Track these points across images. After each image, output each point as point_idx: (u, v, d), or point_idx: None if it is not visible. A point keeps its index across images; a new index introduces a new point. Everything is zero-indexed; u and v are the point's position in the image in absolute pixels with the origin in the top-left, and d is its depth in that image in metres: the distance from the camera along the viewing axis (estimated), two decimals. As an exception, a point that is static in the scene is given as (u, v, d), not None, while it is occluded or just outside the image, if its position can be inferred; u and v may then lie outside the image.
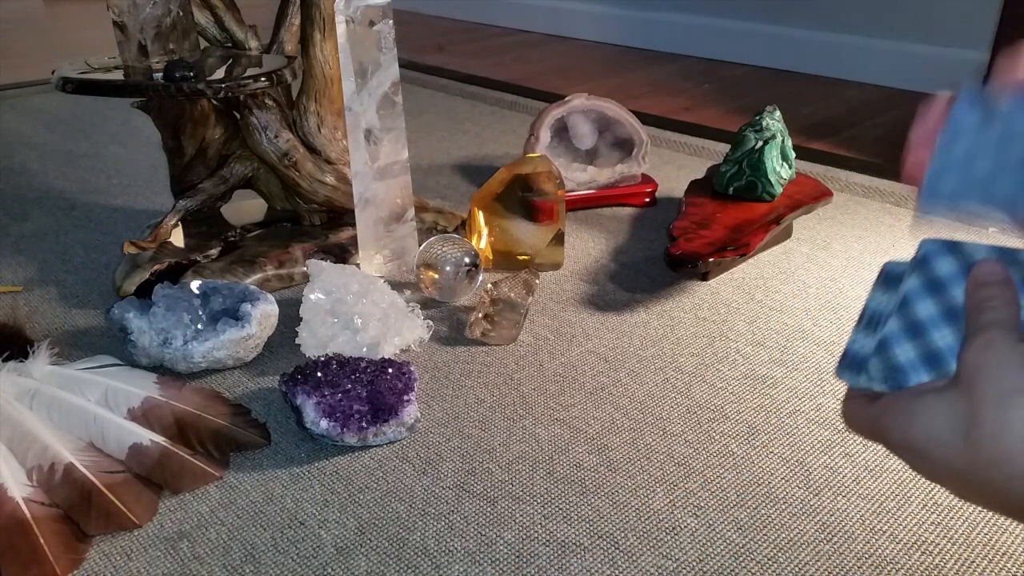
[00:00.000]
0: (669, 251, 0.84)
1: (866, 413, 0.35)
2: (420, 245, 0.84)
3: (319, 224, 0.93)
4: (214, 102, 0.87)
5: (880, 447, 0.62)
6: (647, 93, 1.67)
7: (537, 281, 0.83)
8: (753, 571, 0.51)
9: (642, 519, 0.55)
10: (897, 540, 0.54)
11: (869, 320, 0.36)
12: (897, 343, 0.34)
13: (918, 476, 0.59)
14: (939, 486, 0.33)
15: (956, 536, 0.54)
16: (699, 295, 0.85)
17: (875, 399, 0.35)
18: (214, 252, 0.86)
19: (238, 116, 0.87)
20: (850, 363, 0.36)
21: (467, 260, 0.81)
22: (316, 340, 0.72)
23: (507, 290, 0.79)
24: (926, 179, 0.35)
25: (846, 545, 0.53)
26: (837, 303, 0.83)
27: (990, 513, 0.56)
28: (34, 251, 0.96)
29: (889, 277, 0.36)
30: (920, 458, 0.32)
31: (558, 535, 0.54)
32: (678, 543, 0.53)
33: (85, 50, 1.61)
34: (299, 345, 0.73)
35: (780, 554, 0.53)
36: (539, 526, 0.55)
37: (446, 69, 1.84)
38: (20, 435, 0.59)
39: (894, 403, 0.33)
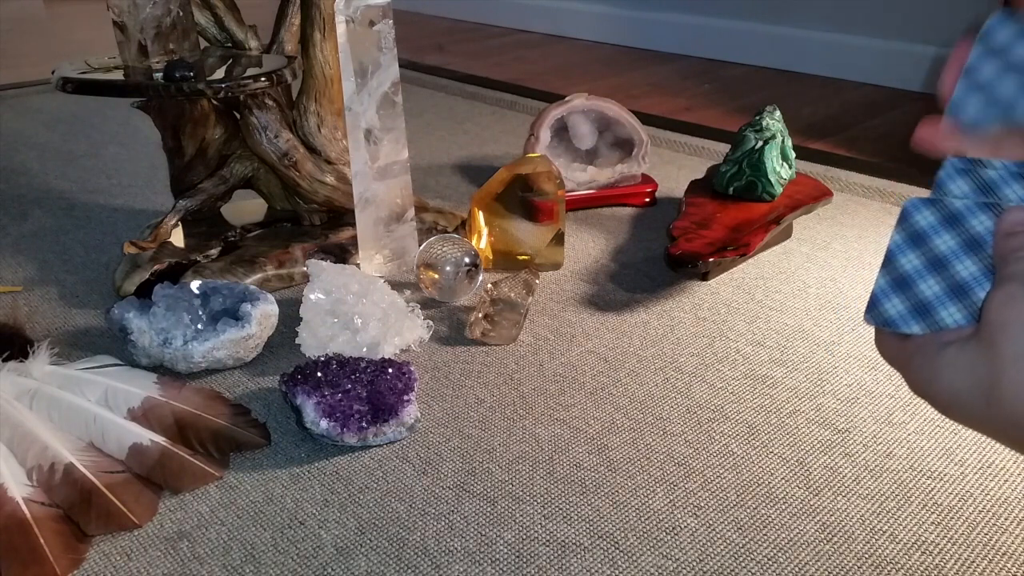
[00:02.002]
0: (669, 251, 0.84)
1: (896, 353, 0.35)
2: (420, 245, 0.84)
3: (319, 224, 0.93)
4: (214, 102, 0.87)
5: (880, 448, 0.62)
6: (647, 93, 1.67)
7: (537, 281, 0.83)
8: (753, 571, 0.51)
9: (642, 519, 0.55)
10: (897, 540, 0.54)
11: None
12: (922, 280, 0.33)
13: (918, 476, 0.59)
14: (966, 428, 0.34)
15: (956, 536, 0.54)
16: (699, 295, 0.85)
17: (905, 338, 0.35)
18: (214, 252, 0.86)
19: (238, 116, 0.87)
20: (880, 301, 0.35)
21: (467, 260, 0.81)
22: (316, 340, 0.72)
23: (507, 290, 0.79)
24: (950, 104, 0.34)
25: (846, 545, 0.53)
26: (837, 303, 0.83)
27: (990, 513, 0.56)
28: (34, 251, 0.96)
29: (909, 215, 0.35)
30: (943, 406, 0.33)
31: (558, 535, 0.54)
32: (678, 543, 0.53)
33: (85, 50, 1.61)
34: (299, 345, 0.73)
35: (780, 554, 0.53)
36: (539, 526, 0.55)
37: (446, 69, 1.85)
38: (20, 435, 0.59)
39: (919, 354, 0.33)
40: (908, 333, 0.34)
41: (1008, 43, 0.33)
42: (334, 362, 0.65)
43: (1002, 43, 0.33)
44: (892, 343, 0.35)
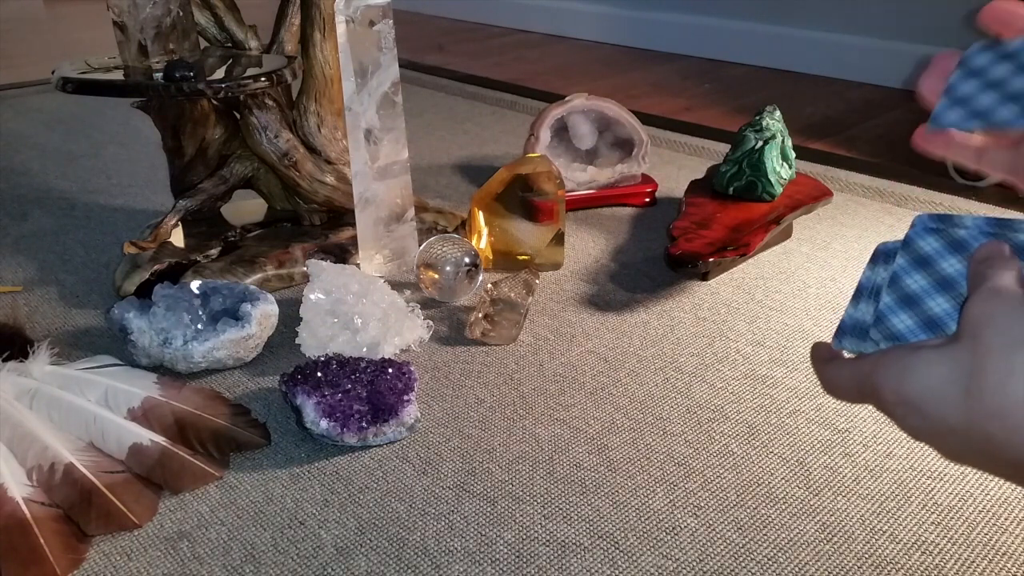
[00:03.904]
0: (669, 251, 0.84)
1: (855, 371, 0.34)
2: (420, 245, 0.84)
3: (319, 224, 0.93)
4: (214, 102, 0.87)
5: (880, 448, 0.62)
6: (647, 93, 1.67)
7: (537, 281, 0.83)
8: (753, 571, 0.51)
9: (642, 519, 0.55)
10: (897, 540, 0.54)
11: (870, 292, 0.37)
12: (894, 315, 0.34)
13: (918, 476, 0.59)
14: (930, 447, 0.33)
15: (956, 536, 0.54)
16: (699, 295, 0.85)
17: (862, 359, 0.34)
18: (214, 252, 0.86)
19: (238, 116, 0.87)
20: (851, 330, 0.36)
21: (467, 260, 0.81)
22: (316, 340, 0.72)
23: (507, 290, 0.79)
24: (933, 113, 0.36)
25: (846, 545, 0.53)
26: (837, 303, 0.83)
27: (990, 513, 0.56)
28: (34, 251, 0.96)
29: (888, 255, 0.37)
30: (914, 414, 0.31)
31: (558, 535, 0.54)
32: (678, 543, 0.53)
33: (85, 50, 1.61)
34: (299, 345, 0.73)
35: (780, 554, 0.53)
36: (539, 526, 0.55)
37: (446, 69, 1.85)
38: (20, 435, 0.59)
39: (888, 357, 0.32)
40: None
41: (986, 65, 0.35)
42: (334, 362, 0.65)
43: (981, 65, 0.35)
44: (847, 365, 0.35)
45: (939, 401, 0.30)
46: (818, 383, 0.70)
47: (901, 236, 0.36)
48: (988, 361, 0.29)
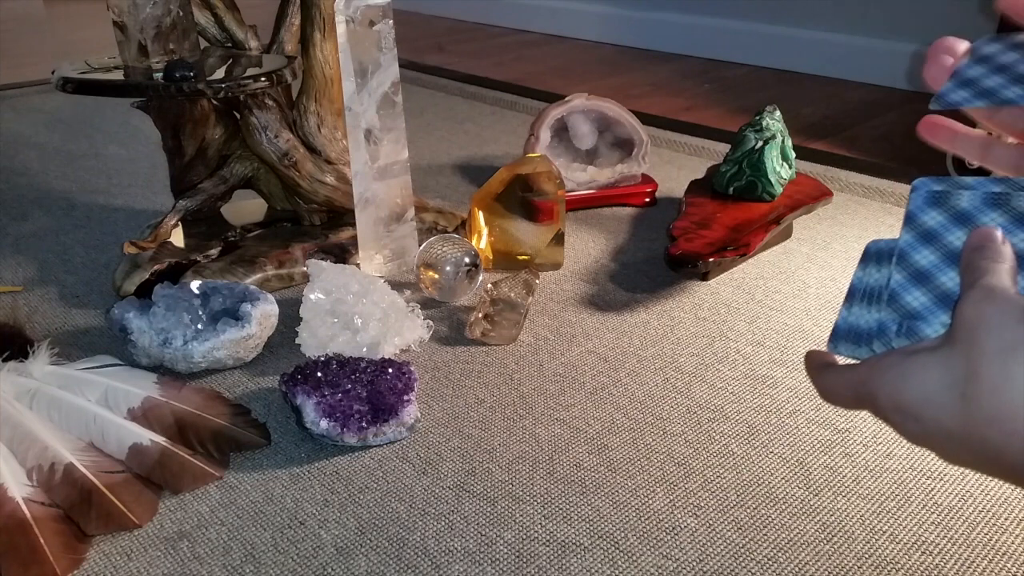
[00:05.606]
0: (669, 251, 0.84)
1: (850, 378, 0.34)
2: (420, 245, 0.84)
3: (319, 224, 0.93)
4: (214, 102, 0.87)
5: (880, 448, 0.62)
6: (647, 93, 1.67)
7: (537, 281, 0.83)
8: (753, 571, 0.51)
9: (642, 519, 0.55)
10: (897, 540, 0.54)
11: (863, 294, 0.36)
12: (907, 292, 0.33)
13: (918, 476, 0.59)
14: (929, 451, 0.32)
15: (956, 536, 0.54)
16: (699, 295, 0.85)
17: (856, 366, 0.34)
18: (214, 252, 0.86)
19: (238, 116, 0.87)
20: (845, 334, 0.36)
21: (467, 260, 0.81)
22: (316, 340, 0.72)
23: (507, 290, 0.79)
24: (938, 92, 0.36)
25: (846, 545, 0.53)
26: (837, 303, 0.83)
27: (990, 513, 0.56)
28: (34, 251, 0.96)
29: (880, 255, 0.36)
30: (911, 419, 0.31)
31: (558, 535, 0.54)
32: (678, 543, 0.53)
33: (85, 50, 1.61)
34: (299, 345, 0.73)
35: (780, 554, 0.53)
36: (539, 526, 0.55)
37: (446, 69, 1.85)
38: (20, 435, 0.59)
39: (883, 363, 0.32)
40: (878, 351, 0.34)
41: (995, 53, 0.36)
42: (334, 362, 0.65)
43: (990, 53, 0.36)
44: (842, 373, 0.35)
45: (935, 407, 0.30)
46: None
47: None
48: (983, 366, 0.28)
